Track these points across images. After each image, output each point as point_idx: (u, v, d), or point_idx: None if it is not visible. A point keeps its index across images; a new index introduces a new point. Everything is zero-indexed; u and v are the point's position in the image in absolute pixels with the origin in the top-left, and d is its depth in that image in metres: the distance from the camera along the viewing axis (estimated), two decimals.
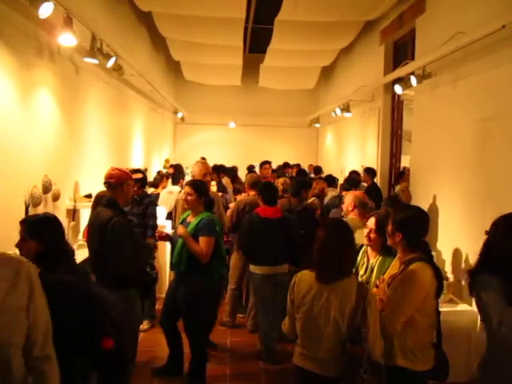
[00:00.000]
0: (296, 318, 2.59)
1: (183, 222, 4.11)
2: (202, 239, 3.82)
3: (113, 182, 3.46)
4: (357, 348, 2.39)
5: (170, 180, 7.51)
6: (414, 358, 2.60)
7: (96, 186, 5.39)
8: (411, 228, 2.70)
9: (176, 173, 7.33)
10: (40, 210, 4.32)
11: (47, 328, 1.85)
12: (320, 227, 2.69)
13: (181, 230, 3.91)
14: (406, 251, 2.71)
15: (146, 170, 8.27)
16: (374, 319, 2.45)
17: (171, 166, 9.87)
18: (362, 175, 7.82)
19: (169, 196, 6.54)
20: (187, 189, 4.01)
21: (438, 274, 2.67)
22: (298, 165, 11.72)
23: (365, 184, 7.44)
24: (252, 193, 5.34)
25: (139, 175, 5.03)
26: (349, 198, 4.46)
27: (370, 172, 7.62)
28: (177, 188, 6.73)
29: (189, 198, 3.95)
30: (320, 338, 2.47)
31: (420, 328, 2.61)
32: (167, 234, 4.22)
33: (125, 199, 3.55)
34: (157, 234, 4.03)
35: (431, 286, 2.60)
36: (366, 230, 3.23)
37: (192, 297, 3.87)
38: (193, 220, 3.96)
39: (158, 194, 6.70)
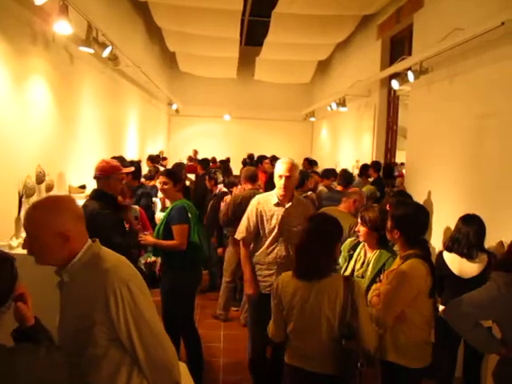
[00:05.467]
0: (286, 321, 2.53)
1: None
2: (173, 228, 3.75)
3: (99, 175, 3.43)
4: (351, 343, 2.36)
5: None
6: (406, 355, 2.59)
7: (90, 176, 5.33)
8: (409, 225, 2.70)
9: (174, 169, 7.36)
10: (33, 200, 4.27)
11: None
12: (303, 223, 2.65)
13: (148, 239, 3.81)
14: (404, 247, 2.72)
15: (139, 161, 8.26)
16: (364, 311, 2.43)
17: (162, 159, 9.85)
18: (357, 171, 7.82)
19: None
20: (162, 178, 3.92)
21: (434, 272, 2.66)
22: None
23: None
24: (248, 186, 5.05)
25: (130, 169, 4.99)
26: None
27: (363, 168, 7.62)
28: None
29: (165, 187, 3.87)
30: (313, 337, 2.44)
31: (413, 325, 2.60)
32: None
33: (112, 192, 3.49)
34: (140, 240, 3.80)
35: (425, 283, 2.58)
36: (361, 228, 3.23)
37: (175, 287, 3.80)
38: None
39: (153, 186, 6.66)
